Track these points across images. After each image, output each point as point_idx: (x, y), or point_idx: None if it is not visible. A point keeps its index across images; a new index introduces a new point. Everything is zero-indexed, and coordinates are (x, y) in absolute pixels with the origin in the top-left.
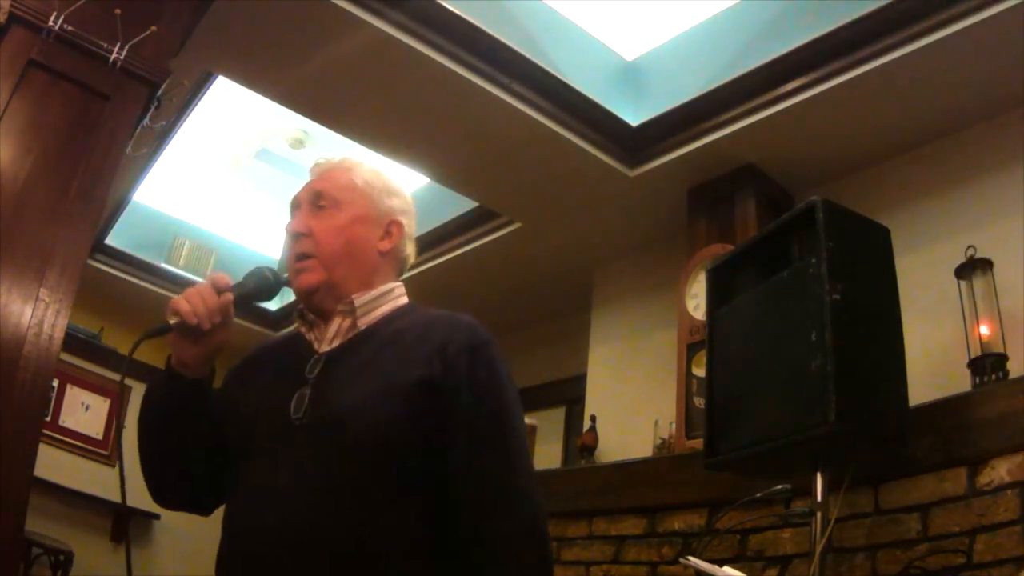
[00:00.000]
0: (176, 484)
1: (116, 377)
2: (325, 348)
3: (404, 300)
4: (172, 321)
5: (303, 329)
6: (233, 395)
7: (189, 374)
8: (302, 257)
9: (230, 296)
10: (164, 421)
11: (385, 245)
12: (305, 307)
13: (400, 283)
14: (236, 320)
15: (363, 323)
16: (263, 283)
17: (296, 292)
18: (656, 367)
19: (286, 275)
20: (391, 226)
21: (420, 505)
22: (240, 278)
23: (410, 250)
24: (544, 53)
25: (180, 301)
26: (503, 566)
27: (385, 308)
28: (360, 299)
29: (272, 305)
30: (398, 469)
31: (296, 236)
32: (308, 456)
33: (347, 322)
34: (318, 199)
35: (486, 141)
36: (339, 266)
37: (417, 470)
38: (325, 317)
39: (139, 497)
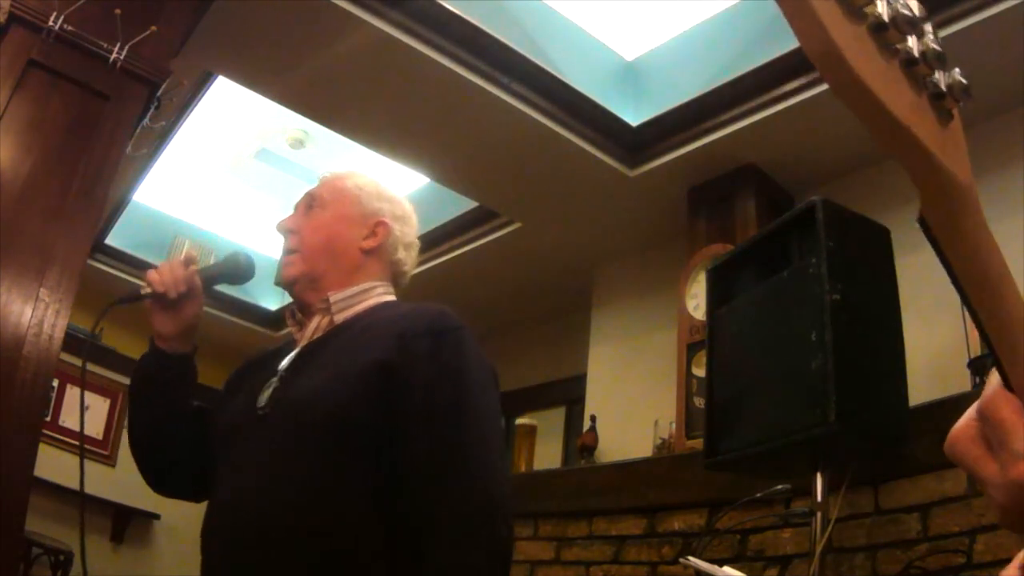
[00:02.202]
0: (163, 464)
1: (116, 377)
2: (304, 344)
3: (388, 298)
4: (143, 291)
5: (293, 329)
6: (224, 397)
7: (168, 348)
8: (287, 252)
9: (194, 268)
10: (147, 393)
11: (369, 244)
12: (293, 303)
13: (384, 283)
14: (238, 321)
15: (339, 319)
16: (231, 264)
17: (282, 286)
18: (656, 367)
19: (277, 280)
20: (376, 227)
21: (373, 486)
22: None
23: (403, 255)
24: (544, 53)
25: (151, 272)
26: (448, 548)
27: (365, 304)
28: (336, 296)
29: (272, 305)
30: (350, 451)
31: (284, 234)
32: (267, 444)
33: (325, 319)
34: (311, 201)
35: (486, 141)
36: (319, 260)
37: (370, 452)
38: (308, 315)
39: (139, 497)
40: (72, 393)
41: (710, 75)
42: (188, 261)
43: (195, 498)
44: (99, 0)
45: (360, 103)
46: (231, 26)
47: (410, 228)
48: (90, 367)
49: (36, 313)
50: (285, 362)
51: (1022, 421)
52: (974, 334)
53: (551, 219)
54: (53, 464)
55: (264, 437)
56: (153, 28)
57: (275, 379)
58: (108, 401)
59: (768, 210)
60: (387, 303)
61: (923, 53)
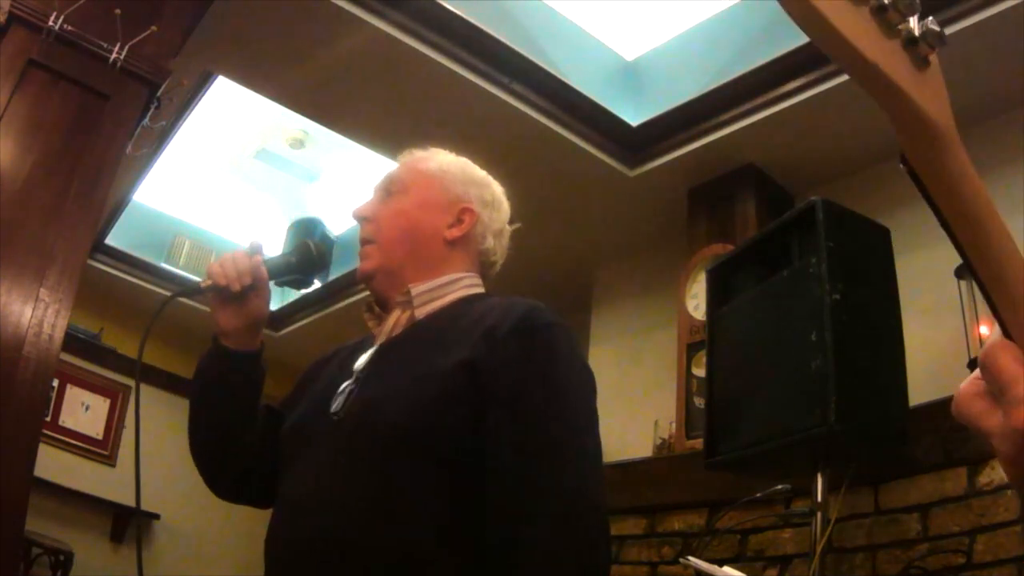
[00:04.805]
0: (231, 471)
1: (116, 377)
2: (382, 341)
3: (476, 291)
4: (204, 284)
5: (371, 324)
6: (294, 398)
7: (232, 344)
8: (364, 243)
9: (259, 257)
10: (210, 393)
11: (453, 233)
12: (371, 296)
13: (471, 274)
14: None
15: (421, 313)
16: (301, 255)
17: (360, 281)
18: (656, 367)
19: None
20: (463, 213)
21: (458, 498)
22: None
23: (492, 244)
24: (544, 53)
25: (213, 264)
26: (538, 561)
27: (449, 298)
28: (417, 288)
29: (271, 305)
30: (433, 458)
31: (359, 221)
32: (340, 452)
33: (406, 314)
34: (390, 185)
35: (486, 141)
36: (398, 251)
37: (454, 460)
38: (387, 309)
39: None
40: (72, 393)
41: (710, 75)
42: (253, 250)
43: (263, 504)
44: (99, 0)
45: (360, 103)
46: (231, 26)
47: (500, 214)
48: (90, 367)
49: (36, 313)
50: (361, 361)
51: (1022, 368)
52: (974, 334)
53: (551, 219)
54: (53, 464)
55: (337, 444)
56: (153, 28)
57: (350, 381)
58: (108, 401)
59: (768, 210)
60: (474, 296)
61: (893, 2)
